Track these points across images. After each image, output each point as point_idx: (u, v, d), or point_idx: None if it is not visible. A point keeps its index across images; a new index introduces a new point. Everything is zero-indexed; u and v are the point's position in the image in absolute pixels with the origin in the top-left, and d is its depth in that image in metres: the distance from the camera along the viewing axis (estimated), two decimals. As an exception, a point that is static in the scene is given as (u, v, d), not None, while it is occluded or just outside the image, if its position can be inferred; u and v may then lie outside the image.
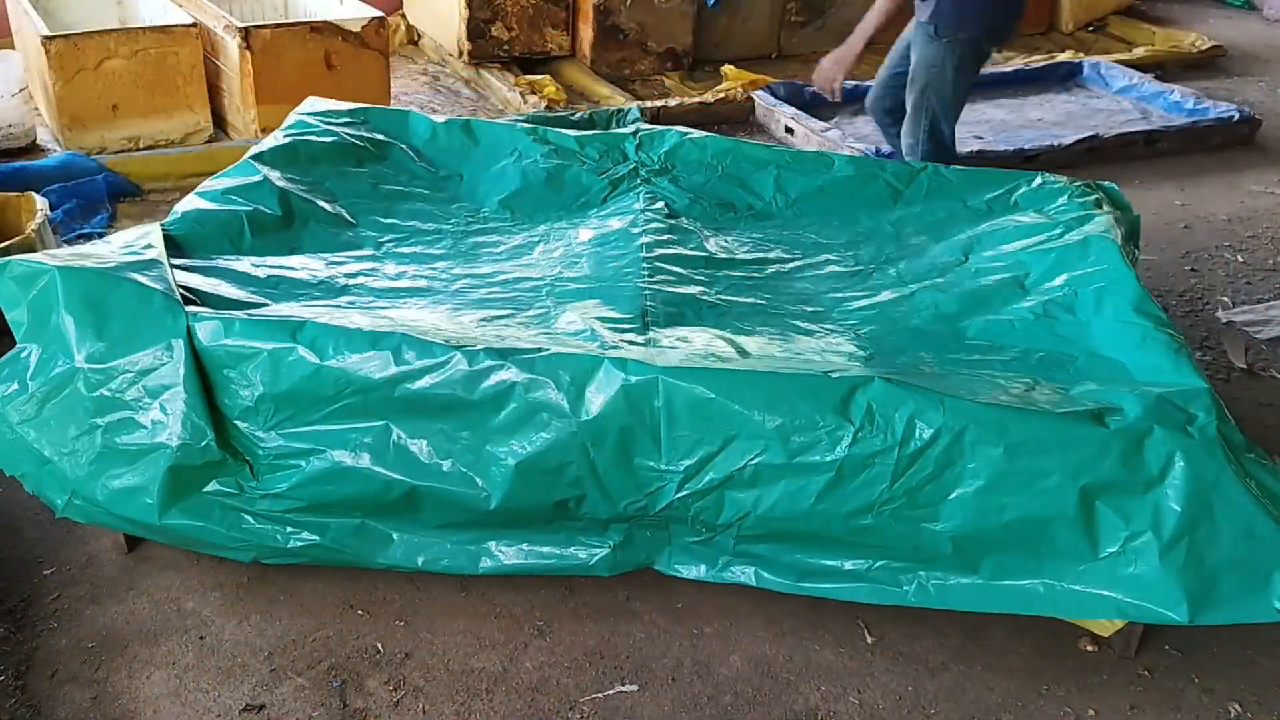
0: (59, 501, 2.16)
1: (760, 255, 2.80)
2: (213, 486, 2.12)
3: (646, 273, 2.53)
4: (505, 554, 2.16)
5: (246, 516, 2.14)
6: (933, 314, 2.51)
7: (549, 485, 2.05)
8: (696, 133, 3.24)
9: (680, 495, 2.03)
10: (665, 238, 2.74)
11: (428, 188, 3.03)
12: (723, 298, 2.52)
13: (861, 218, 2.99)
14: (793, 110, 4.68)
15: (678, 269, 2.61)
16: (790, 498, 1.99)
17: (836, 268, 2.75)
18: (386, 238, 2.74)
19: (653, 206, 2.89)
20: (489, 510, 2.07)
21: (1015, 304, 2.51)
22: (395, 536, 2.16)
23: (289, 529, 2.15)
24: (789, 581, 2.12)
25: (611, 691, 2.04)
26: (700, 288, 2.55)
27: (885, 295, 2.60)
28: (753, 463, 1.98)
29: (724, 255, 2.77)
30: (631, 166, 3.10)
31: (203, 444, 2.06)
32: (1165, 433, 1.91)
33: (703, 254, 2.74)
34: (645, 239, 2.69)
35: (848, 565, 2.08)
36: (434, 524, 2.15)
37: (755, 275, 2.69)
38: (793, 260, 2.78)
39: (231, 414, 2.09)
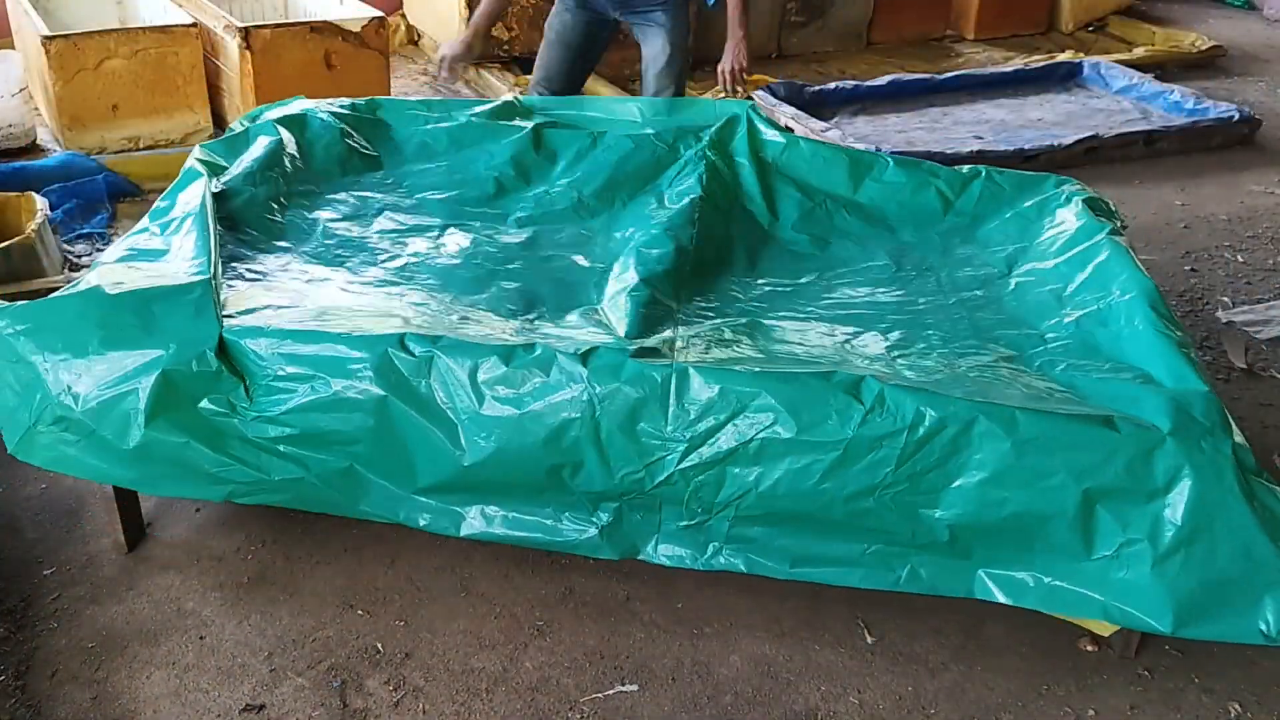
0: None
1: (801, 259, 2.80)
2: (204, 403, 2.07)
3: (681, 271, 2.53)
4: (489, 520, 2.12)
5: (234, 440, 2.10)
6: (967, 323, 2.50)
7: (549, 444, 2.03)
8: (764, 128, 3.20)
9: (682, 467, 2.00)
10: (705, 236, 2.75)
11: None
12: (756, 303, 2.54)
13: (909, 225, 2.98)
14: (793, 110, 4.68)
15: (713, 268, 2.62)
16: (794, 475, 1.97)
17: (878, 275, 2.75)
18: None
19: (698, 203, 2.89)
20: (484, 459, 2.04)
21: (1051, 317, 2.49)
22: (380, 484, 2.12)
23: (275, 459, 2.10)
24: (782, 567, 2.09)
25: (611, 691, 2.04)
26: (735, 290, 2.57)
27: (922, 304, 2.60)
28: (760, 435, 1.97)
29: (764, 258, 2.78)
30: (696, 154, 3.08)
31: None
32: (1177, 445, 1.90)
33: (743, 254, 2.75)
34: (685, 239, 2.69)
35: (842, 550, 2.05)
36: (423, 479, 2.10)
37: (793, 280, 2.69)
38: (834, 266, 2.78)
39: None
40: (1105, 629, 2.09)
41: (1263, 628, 1.89)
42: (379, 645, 2.12)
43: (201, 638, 2.13)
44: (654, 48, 3.62)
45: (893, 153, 4.11)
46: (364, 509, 2.15)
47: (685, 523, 2.08)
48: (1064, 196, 2.89)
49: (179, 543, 2.36)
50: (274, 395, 2.06)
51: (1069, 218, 2.79)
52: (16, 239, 3.07)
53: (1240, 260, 3.82)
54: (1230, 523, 1.88)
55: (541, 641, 2.14)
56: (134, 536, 2.34)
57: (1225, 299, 3.54)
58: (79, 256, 3.47)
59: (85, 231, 3.64)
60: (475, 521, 2.13)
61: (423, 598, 2.23)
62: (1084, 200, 2.84)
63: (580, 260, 2.70)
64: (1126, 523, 1.91)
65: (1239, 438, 1.98)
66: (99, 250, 3.50)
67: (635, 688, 2.05)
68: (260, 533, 2.38)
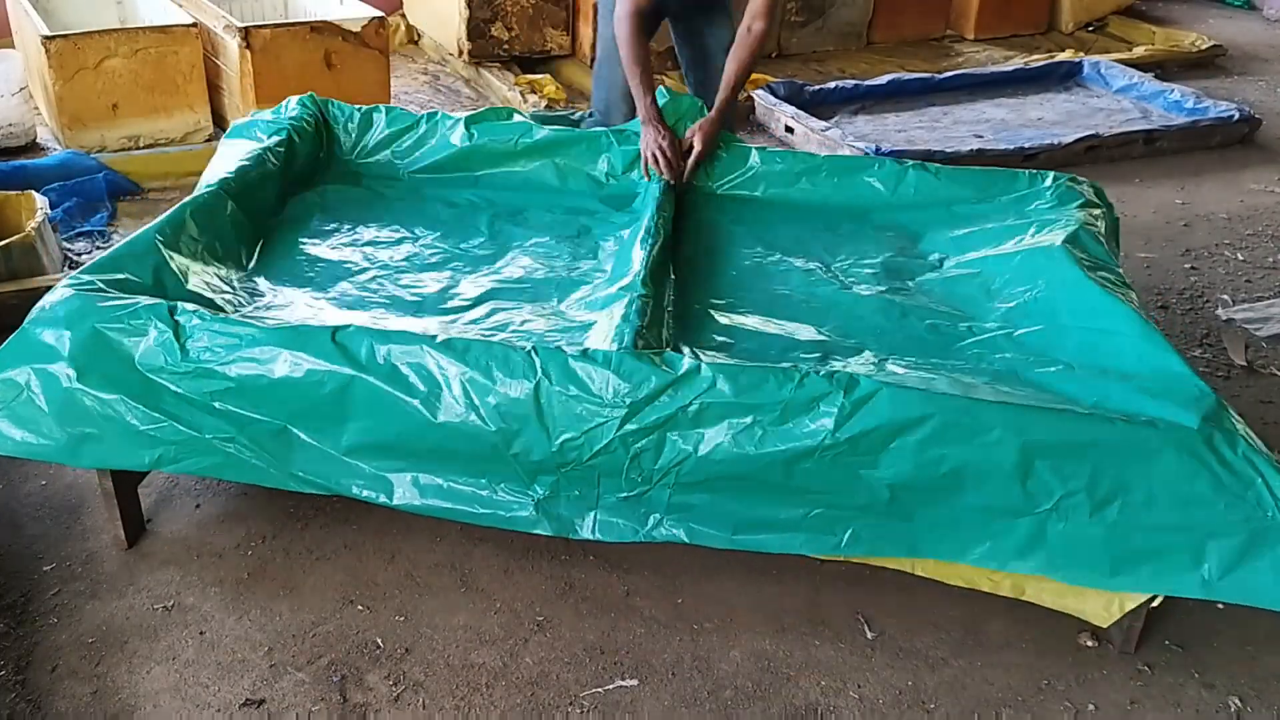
0: None
1: (735, 253, 2.81)
2: (137, 355, 2.07)
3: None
4: (422, 490, 2.11)
5: (168, 396, 2.09)
6: (896, 317, 2.52)
7: (492, 415, 2.03)
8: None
9: (622, 432, 1.99)
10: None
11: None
12: (689, 298, 2.55)
13: (844, 218, 2.99)
14: (793, 109, 4.69)
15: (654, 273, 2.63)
16: (734, 438, 1.97)
17: (810, 266, 2.75)
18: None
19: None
20: (425, 424, 2.04)
21: (978, 309, 2.52)
22: (314, 447, 2.10)
23: (208, 416, 2.09)
24: (724, 535, 2.07)
25: (611, 686, 2.04)
26: (670, 287, 2.57)
27: (852, 295, 2.62)
28: (699, 399, 1.97)
29: (697, 253, 2.79)
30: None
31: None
32: (1108, 407, 1.94)
33: (674, 252, 2.75)
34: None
35: (784, 515, 2.04)
36: (360, 436, 2.09)
37: (726, 273, 2.71)
38: (768, 258, 2.79)
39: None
40: (1103, 619, 2.09)
41: (1198, 582, 1.91)
42: (379, 640, 2.12)
43: (201, 633, 2.13)
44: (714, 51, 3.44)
45: (892, 152, 4.12)
46: (296, 472, 2.12)
47: (624, 494, 2.06)
48: (1020, 193, 2.92)
49: (179, 538, 2.36)
50: (210, 348, 2.07)
51: (1027, 209, 2.83)
52: (16, 237, 3.08)
53: (1240, 258, 3.82)
54: (1167, 473, 1.89)
55: (541, 636, 2.14)
56: (134, 532, 2.34)
57: (1225, 297, 3.54)
58: (79, 254, 3.47)
59: (85, 230, 3.64)
60: (408, 491, 2.11)
61: (422, 593, 2.24)
62: (1055, 189, 2.86)
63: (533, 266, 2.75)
64: (1065, 476, 1.92)
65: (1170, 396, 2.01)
66: (99, 248, 3.51)
67: (635, 682, 2.05)
68: (260, 528, 2.38)
